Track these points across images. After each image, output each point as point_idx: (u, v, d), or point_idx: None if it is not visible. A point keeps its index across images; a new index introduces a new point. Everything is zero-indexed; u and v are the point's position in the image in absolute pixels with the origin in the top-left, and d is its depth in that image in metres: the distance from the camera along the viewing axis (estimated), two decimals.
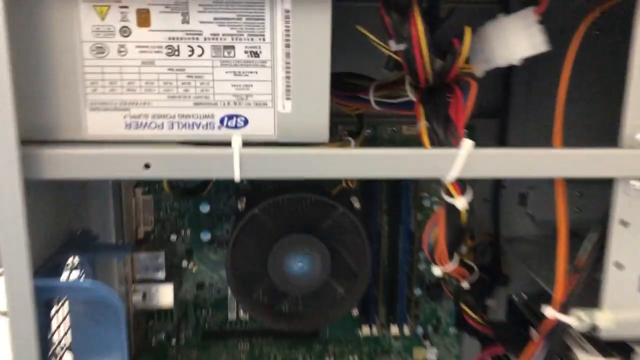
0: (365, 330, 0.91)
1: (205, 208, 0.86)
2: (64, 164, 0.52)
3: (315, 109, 0.55)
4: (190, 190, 0.80)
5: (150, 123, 0.55)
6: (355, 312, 0.88)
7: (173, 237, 0.87)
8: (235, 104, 0.55)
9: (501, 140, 0.84)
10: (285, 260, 0.78)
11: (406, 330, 0.91)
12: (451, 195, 0.58)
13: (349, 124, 0.81)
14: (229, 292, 0.89)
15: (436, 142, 0.57)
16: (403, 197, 0.87)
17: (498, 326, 0.82)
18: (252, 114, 0.55)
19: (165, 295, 0.84)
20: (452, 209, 0.59)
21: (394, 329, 0.91)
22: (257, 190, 0.86)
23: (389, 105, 0.71)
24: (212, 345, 0.91)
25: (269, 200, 0.77)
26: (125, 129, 0.55)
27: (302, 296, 0.81)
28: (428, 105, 0.60)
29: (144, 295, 0.83)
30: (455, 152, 0.55)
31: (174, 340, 0.91)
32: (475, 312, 0.80)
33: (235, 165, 0.53)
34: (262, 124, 0.55)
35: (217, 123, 0.55)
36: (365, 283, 0.80)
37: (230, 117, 0.55)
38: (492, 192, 0.87)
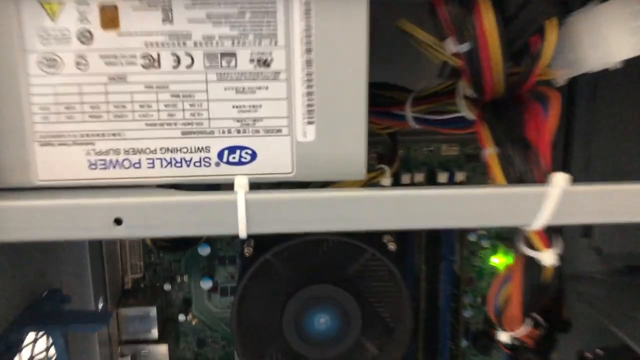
0: None
1: (204, 250, 0.71)
2: (2, 221, 0.37)
3: (348, 136, 0.40)
4: (179, 244, 0.65)
5: (123, 161, 0.40)
6: None
7: (167, 287, 0.72)
8: (238, 132, 0.40)
9: (564, 164, 0.69)
10: (304, 316, 0.63)
11: None
12: (533, 247, 0.43)
13: (375, 144, 0.66)
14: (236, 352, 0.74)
15: (512, 176, 0.42)
16: (445, 231, 0.72)
17: None
18: (262, 145, 0.40)
19: (158, 358, 0.69)
20: (532, 264, 0.44)
21: None
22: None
23: (432, 122, 0.56)
24: None
25: (283, 243, 0.62)
26: (88, 170, 0.40)
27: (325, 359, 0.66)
28: (497, 124, 0.45)
29: (132, 358, 0.68)
30: (543, 191, 0.40)
31: None
32: None
33: (240, 216, 0.38)
34: (275, 159, 0.41)
35: (215, 158, 0.40)
36: (406, 339, 0.65)
37: (231, 149, 0.40)
38: None
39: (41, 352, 0.55)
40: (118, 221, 0.38)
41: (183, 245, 0.62)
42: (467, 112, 0.51)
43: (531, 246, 0.43)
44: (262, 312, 0.64)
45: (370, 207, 0.40)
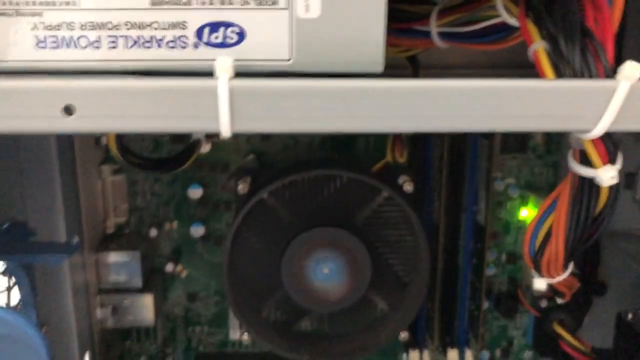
0: (413, 357, 0.67)
1: (196, 192, 0.63)
2: None
3: (363, 14, 0.32)
4: (161, 162, 0.56)
5: (78, 38, 0.32)
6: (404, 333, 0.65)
7: (153, 232, 0.64)
8: (222, 3, 0.32)
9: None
10: (306, 265, 0.55)
11: (468, 356, 0.68)
12: (588, 163, 0.35)
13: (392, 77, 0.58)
14: None
15: (566, 72, 0.34)
16: (468, 176, 0.63)
17: (605, 357, 0.58)
18: (252, 22, 0.32)
19: (143, 309, 0.62)
20: (585, 187, 0.36)
21: (452, 355, 0.67)
22: (268, 167, 0.63)
23: (463, 37, 0.47)
24: None
25: (282, 179, 0.54)
26: (36, 49, 0.32)
27: (329, 314, 0.58)
28: (547, 17, 0.36)
29: (114, 310, 0.61)
30: (610, 86, 0.31)
31: None
32: (576, 337, 0.57)
33: (222, 108, 0.30)
34: (269, 40, 0.32)
35: (193, 38, 0.32)
36: (421, 296, 0.57)
37: (213, 26, 0.32)
38: None
39: (1, 291, 0.48)
40: (68, 110, 0.30)
41: (160, 165, 0.54)
42: (506, 16, 0.42)
43: (585, 161, 0.35)
44: (258, 260, 0.56)
45: (389, 100, 0.31)
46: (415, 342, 0.67)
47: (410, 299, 0.58)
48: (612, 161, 0.34)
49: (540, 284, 0.44)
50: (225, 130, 0.31)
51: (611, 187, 0.35)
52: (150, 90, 0.30)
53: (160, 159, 0.56)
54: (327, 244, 0.55)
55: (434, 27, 0.48)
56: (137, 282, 0.61)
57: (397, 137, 0.57)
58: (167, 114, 0.31)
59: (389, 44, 0.48)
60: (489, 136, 0.61)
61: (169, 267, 0.64)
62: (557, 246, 0.39)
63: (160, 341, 0.68)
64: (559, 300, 0.55)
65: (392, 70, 0.53)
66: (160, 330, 0.68)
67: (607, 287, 0.67)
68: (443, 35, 0.48)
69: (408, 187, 0.56)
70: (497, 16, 0.43)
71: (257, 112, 0.31)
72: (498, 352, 0.70)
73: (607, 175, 0.34)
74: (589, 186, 0.36)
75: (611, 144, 0.34)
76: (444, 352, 0.67)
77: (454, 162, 0.63)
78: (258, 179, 0.57)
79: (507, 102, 0.32)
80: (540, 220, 0.40)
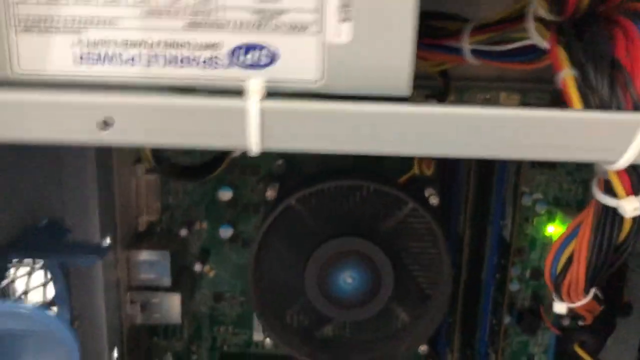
0: None
1: (226, 194, 0.65)
2: None
3: (392, 39, 0.33)
4: (193, 169, 0.58)
5: (116, 55, 0.33)
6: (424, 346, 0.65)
7: (183, 232, 0.65)
8: (256, 26, 0.33)
9: None
10: (330, 272, 0.56)
11: None
12: (612, 193, 0.35)
13: (424, 88, 0.58)
14: None
15: (594, 102, 0.34)
16: (495, 190, 0.63)
17: None
18: (284, 45, 0.33)
19: (170, 308, 0.63)
20: (607, 215, 0.36)
21: None
22: (296, 173, 0.64)
23: (494, 56, 0.48)
24: None
25: (310, 187, 0.55)
26: (75, 64, 0.33)
27: (350, 322, 0.59)
28: (577, 44, 0.36)
29: (142, 307, 0.63)
30: (637, 118, 0.31)
31: None
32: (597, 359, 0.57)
33: (252, 128, 0.31)
34: (300, 63, 0.33)
35: (226, 58, 0.33)
36: (443, 309, 0.58)
37: (247, 48, 0.33)
38: None
39: (37, 287, 0.50)
40: (106, 123, 0.32)
41: (192, 173, 0.55)
42: (538, 38, 0.42)
43: (609, 191, 0.35)
44: (284, 266, 0.58)
45: (416, 125, 0.32)
46: (435, 353, 0.67)
47: (432, 311, 0.58)
48: (636, 192, 0.34)
49: (560, 307, 0.44)
50: (255, 149, 0.32)
51: (635, 218, 0.35)
52: (185, 108, 0.32)
53: (193, 166, 0.58)
54: (352, 253, 0.56)
55: (465, 44, 0.49)
56: (167, 280, 0.62)
57: None
58: (200, 131, 0.32)
59: (421, 57, 0.49)
60: None
61: (197, 267, 0.66)
62: (579, 272, 0.39)
63: (186, 339, 0.70)
64: (580, 321, 0.55)
65: (424, 80, 0.54)
66: (186, 328, 0.70)
67: (633, 308, 0.67)
68: (475, 52, 0.49)
69: (434, 201, 0.56)
70: (529, 38, 0.44)
71: (285, 132, 0.32)
72: None
73: (630, 206, 0.34)
74: (612, 215, 0.36)
75: (636, 175, 0.34)
76: None
77: (482, 176, 0.63)
78: (286, 185, 0.58)
79: (533, 131, 0.32)
80: (563, 244, 0.40)
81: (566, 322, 0.66)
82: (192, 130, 0.32)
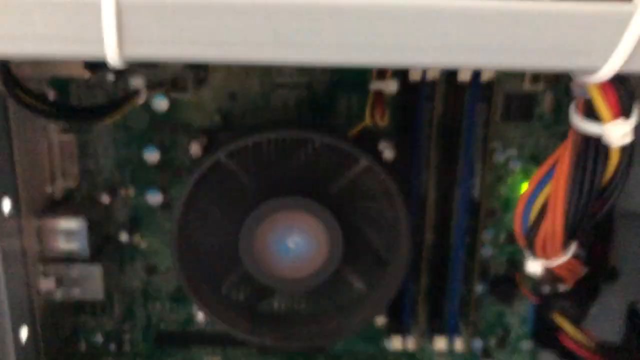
0: (396, 343, 0.61)
1: (153, 155, 0.56)
2: None
3: None
4: (76, 110, 0.48)
5: None
6: (381, 317, 0.58)
7: (105, 199, 0.57)
8: None
9: None
10: (269, 238, 0.48)
11: (458, 344, 0.61)
12: (594, 117, 0.27)
13: None
14: None
15: None
16: (464, 146, 0.55)
17: (611, 352, 0.51)
18: None
19: (91, 282, 0.55)
20: (590, 149, 0.28)
21: (440, 342, 0.60)
22: (232, 128, 0.55)
23: None
24: (169, 353, 0.63)
25: (245, 140, 0.46)
26: None
27: (297, 294, 0.51)
28: None
29: (59, 281, 0.55)
30: (624, 11, 0.23)
31: (113, 346, 0.62)
32: (579, 329, 0.50)
33: (107, 28, 0.23)
34: None
35: None
36: (400, 275, 0.50)
37: None
38: None
39: None
40: None
41: (76, 114, 0.46)
42: None
43: (591, 115, 0.27)
44: (216, 231, 0.50)
45: (330, 23, 0.24)
46: (399, 327, 0.60)
47: (389, 278, 0.51)
48: (625, 113, 0.26)
49: (534, 266, 0.36)
50: (113, 57, 0.23)
51: (623, 149, 0.28)
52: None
53: (75, 106, 0.48)
54: (295, 214, 0.48)
55: None
56: (85, 251, 0.54)
57: (378, 97, 0.49)
58: (41, 33, 0.23)
59: None
60: (487, 99, 0.53)
61: (124, 237, 0.57)
62: (555, 223, 0.32)
63: (117, 317, 0.62)
64: (561, 287, 0.48)
65: None
66: (117, 305, 0.61)
67: (619, 273, 0.60)
68: None
69: (388, 154, 0.49)
70: None
71: (153, 34, 0.23)
72: (493, 341, 0.63)
73: (618, 131, 0.26)
74: (595, 147, 0.28)
75: (625, 91, 0.26)
76: (431, 339, 0.60)
77: (447, 129, 0.55)
78: (218, 140, 0.49)
79: (493, 30, 0.24)
80: (535, 190, 0.33)
81: (546, 290, 0.59)
82: (30, 32, 0.23)
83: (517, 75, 0.55)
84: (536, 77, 0.54)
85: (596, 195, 0.30)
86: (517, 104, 0.56)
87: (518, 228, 0.35)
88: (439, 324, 0.60)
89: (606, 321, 0.59)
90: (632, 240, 0.56)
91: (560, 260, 0.35)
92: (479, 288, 0.60)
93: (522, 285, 0.58)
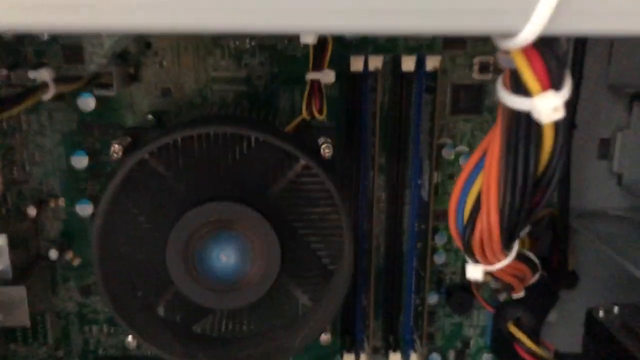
0: None
1: (81, 161, 0.52)
2: None
3: None
4: None
5: None
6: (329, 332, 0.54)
7: (32, 211, 0.53)
8: None
9: None
10: (201, 249, 0.44)
11: (414, 359, 0.57)
12: (522, 91, 0.24)
13: None
14: None
15: None
16: (412, 143, 0.52)
17: None
18: None
19: (14, 306, 0.51)
20: (520, 129, 0.25)
21: (395, 358, 0.56)
22: (162, 127, 0.51)
23: None
24: None
25: (169, 136, 0.43)
26: None
27: (233, 311, 0.47)
28: None
29: None
30: None
31: None
32: (534, 339, 0.46)
33: None
34: None
35: None
36: (344, 286, 0.46)
37: None
38: None
39: None
40: None
41: None
42: None
43: (519, 89, 0.24)
44: (142, 244, 0.46)
45: None
46: (351, 344, 0.56)
47: (335, 291, 0.47)
48: (555, 85, 0.23)
49: (474, 271, 0.33)
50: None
51: (557, 127, 0.24)
52: None
53: None
54: (225, 222, 0.44)
55: None
56: (6, 272, 0.50)
57: (314, 88, 0.46)
58: None
59: None
60: (432, 90, 0.50)
61: (53, 254, 0.53)
62: (490, 219, 0.28)
63: (52, 343, 0.57)
64: (515, 295, 0.44)
65: None
66: (50, 330, 0.57)
67: (579, 278, 0.57)
68: None
69: (326, 152, 0.45)
70: None
71: None
72: (452, 355, 0.60)
73: (547, 104, 0.23)
74: (526, 127, 0.25)
75: (553, 58, 0.23)
76: (386, 355, 0.57)
77: (394, 125, 0.52)
78: (143, 139, 0.46)
79: None
80: (467, 182, 0.29)
81: (504, 298, 0.56)
82: None
83: (464, 65, 0.52)
84: (484, 66, 0.51)
85: (533, 184, 0.26)
86: (466, 96, 0.53)
87: (453, 228, 0.31)
88: (395, 339, 0.57)
89: (568, 329, 0.56)
90: (589, 241, 0.54)
91: (502, 263, 0.32)
92: (434, 298, 0.57)
93: (478, 294, 0.55)
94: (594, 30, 0.22)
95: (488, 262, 0.32)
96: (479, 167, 0.28)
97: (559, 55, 0.23)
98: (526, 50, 0.22)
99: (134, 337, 0.46)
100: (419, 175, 0.53)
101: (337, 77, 0.48)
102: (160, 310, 0.48)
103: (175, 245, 0.43)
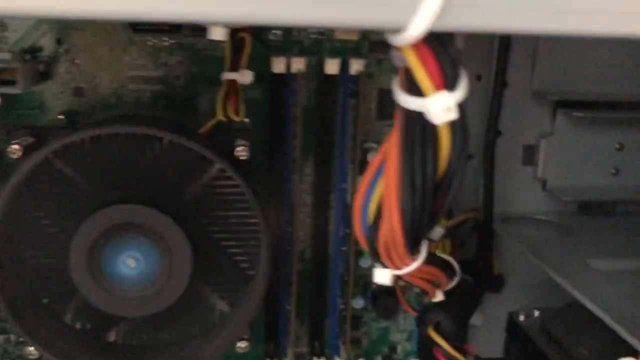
0: None
1: None
2: None
3: None
4: None
5: None
6: (245, 338, 0.51)
7: None
8: None
9: None
10: (104, 254, 0.42)
11: None
12: (416, 90, 0.23)
13: None
14: None
15: None
16: (336, 146, 0.51)
17: None
18: None
19: None
20: (417, 132, 0.24)
21: None
22: (70, 128, 0.49)
23: None
24: None
25: (75, 135, 0.40)
26: None
27: (145, 319, 0.45)
28: None
29: None
30: None
31: None
32: (454, 345, 0.46)
33: None
34: None
35: None
36: (260, 291, 0.45)
37: None
38: (481, 144, 0.53)
39: None
40: None
41: None
42: None
43: (414, 89, 0.23)
44: (45, 248, 0.43)
45: None
46: (275, 351, 0.54)
47: (252, 296, 0.45)
48: (448, 85, 0.22)
49: (382, 276, 0.32)
50: None
51: (453, 130, 0.23)
52: None
53: None
54: (131, 226, 0.42)
55: None
56: None
57: (230, 87, 0.44)
58: None
59: None
60: (355, 95, 0.49)
61: None
62: (392, 223, 0.27)
63: None
64: (436, 298, 0.44)
65: None
66: None
67: (505, 281, 0.57)
68: None
69: (243, 154, 0.44)
70: None
71: None
72: None
73: (438, 105, 0.22)
74: (422, 128, 0.24)
75: (446, 56, 0.22)
76: None
77: (317, 126, 0.51)
78: (49, 141, 0.43)
79: None
80: (370, 184, 0.28)
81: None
82: None
83: (389, 69, 0.51)
84: None
85: (433, 187, 0.26)
86: (392, 100, 0.52)
87: (359, 230, 0.30)
88: (320, 345, 0.56)
89: (493, 334, 0.56)
90: (512, 245, 0.54)
91: (409, 267, 0.31)
92: (360, 303, 0.56)
93: (402, 298, 0.54)
94: (485, 26, 0.21)
95: (395, 265, 0.31)
96: (379, 172, 0.27)
97: (453, 53, 0.22)
98: (417, 47, 0.21)
99: (34, 348, 0.43)
100: (344, 180, 0.52)
101: (259, 77, 0.47)
102: (68, 319, 0.45)
103: (78, 250, 0.41)
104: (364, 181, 0.28)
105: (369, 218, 0.29)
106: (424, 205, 0.26)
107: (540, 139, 0.55)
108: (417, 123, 0.23)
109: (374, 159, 0.28)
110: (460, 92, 0.22)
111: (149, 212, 0.42)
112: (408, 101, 0.23)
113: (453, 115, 0.22)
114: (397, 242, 0.28)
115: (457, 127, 0.23)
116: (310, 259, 0.54)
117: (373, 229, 0.29)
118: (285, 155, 0.50)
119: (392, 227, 0.27)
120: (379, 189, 0.27)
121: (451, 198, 0.26)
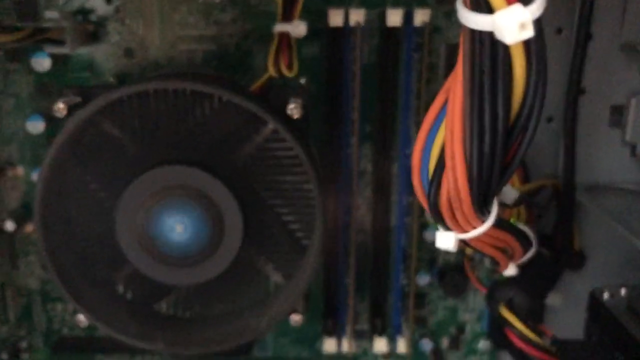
0: (329, 346, 0.52)
1: (37, 126, 0.48)
2: None
3: None
4: None
5: None
6: (301, 314, 0.48)
7: None
8: None
9: None
10: (153, 218, 0.40)
11: (401, 346, 0.52)
12: (484, 7, 0.19)
13: None
14: None
15: None
16: (401, 109, 0.47)
17: (568, 350, 0.42)
18: None
19: None
20: (484, 58, 0.20)
21: (380, 343, 0.52)
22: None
23: None
24: None
25: (120, 92, 0.38)
26: None
27: (196, 289, 0.43)
28: None
29: None
30: None
31: (6, 355, 0.54)
32: (527, 324, 0.41)
33: None
34: None
35: None
36: (313, 262, 0.42)
37: None
38: (562, 104, 0.47)
39: None
40: None
41: None
42: None
43: (480, 6, 0.19)
44: (91, 212, 0.41)
45: None
46: (333, 328, 0.51)
47: (305, 267, 0.42)
48: None
49: (445, 239, 0.28)
50: None
51: (529, 53, 0.19)
52: None
53: None
54: (182, 189, 0.40)
55: None
56: None
57: (282, 40, 0.41)
58: None
59: None
60: (419, 49, 0.45)
61: (10, 226, 0.49)
62: (457, 176, 0.23)
63: (13, 321, 0.54)
64: (508, 272, 0.39)
65: None
66: (11, 307, 0.53)
67: (586, 258, 0.51)
68: None
69: (295, 113, 0.40)
70: None
71: None
72: (445, 342, 0.55)
73: (511, 20, 0.18)
74: (491, 55, 0.20)
75: None
76: (371, 341, 0.52)
77: (381, 87, 0.47)
78: (89, 94, 0.41)
79: None
80: (430, 133, 0.24)
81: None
82: None
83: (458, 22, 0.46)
84: None
85: (505, 130, 0.21)
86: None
87: (418, 187, 0.26)
88: (379, 323, 0.52)
89: (573, 315, 0.51)
90: (597, 217, 0.48)
91: (477, 230, 0.26)
92: (425, 279, 0.52)
93: (472, 273, 0.49)
94: None
95: (460, 228, 0.26)
96: (442, 114, 0.23)
97: None
98: None
99: (83, 315, 0.42)
100: (407, 144, 0.48)
101: (315, 32, 0.44)
102: (119, 289, 0.44)
103: (125, 215, 0.39)
104: (423, 127, 0.24)
105: (430, 171, 0.25)
106: (494, 152, 0.22)
107: (630, 98, 0.49)
108: (486, 48, 0.19)
109: (435, 100, 0.24)
110: (536, 7, 0.18)
111: (198, 175, 0.39)
112: (474, 20, 0.19)
113: (529, 32, 0.18)
114: (462, 197, 0.24)
115: (534, 50, 0.19)
116: (369, 230, 0.50)
117: (434, 183, 0.25)
118: (342, 117, 0.47)
119: (457, 179, 0.23)
120: (441, 136, 0.24)
121: (527, 144, 0.22)
